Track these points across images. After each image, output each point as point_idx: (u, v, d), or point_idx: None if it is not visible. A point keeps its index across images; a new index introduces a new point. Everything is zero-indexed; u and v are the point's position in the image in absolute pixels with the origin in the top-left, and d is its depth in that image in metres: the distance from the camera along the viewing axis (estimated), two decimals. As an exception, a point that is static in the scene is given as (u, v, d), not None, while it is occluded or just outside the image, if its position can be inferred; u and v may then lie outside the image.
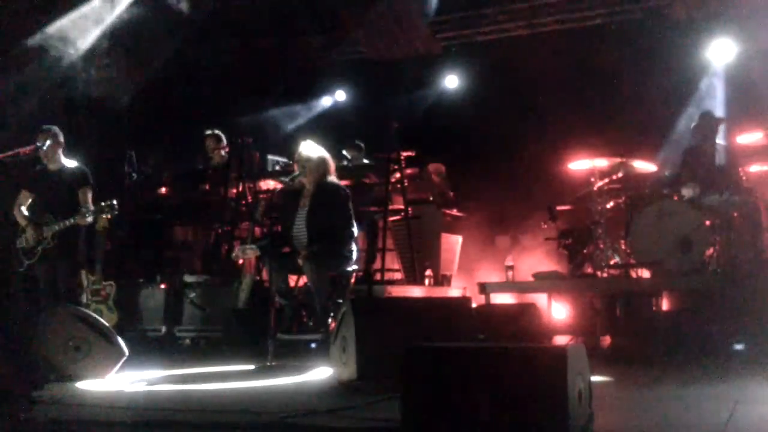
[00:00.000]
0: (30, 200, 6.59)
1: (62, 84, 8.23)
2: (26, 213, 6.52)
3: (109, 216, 6.45)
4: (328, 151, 6.35)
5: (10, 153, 6.23)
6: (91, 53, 8.45)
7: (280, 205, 6.65)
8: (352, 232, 6.12)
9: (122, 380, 4.86)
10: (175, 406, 3.69)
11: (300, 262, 5.86)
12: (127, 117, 8.99)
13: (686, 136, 8.15)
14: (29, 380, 4.35)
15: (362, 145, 8.74)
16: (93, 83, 8.40)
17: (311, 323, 6.22)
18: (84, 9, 8.30)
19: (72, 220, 6.30)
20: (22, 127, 7.37)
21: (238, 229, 8.08)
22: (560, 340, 6.80)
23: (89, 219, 6.37)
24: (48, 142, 6.44)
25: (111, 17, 8.45)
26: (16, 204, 6.56)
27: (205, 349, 7.06)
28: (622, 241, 7.20)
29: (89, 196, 6.54)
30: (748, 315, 5.78)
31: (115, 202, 6.41)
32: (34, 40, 7.97)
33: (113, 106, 8.55)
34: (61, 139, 6.62)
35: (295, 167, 6.32)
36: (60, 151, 6.61)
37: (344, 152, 8.48)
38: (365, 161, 8.53)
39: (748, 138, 7.31)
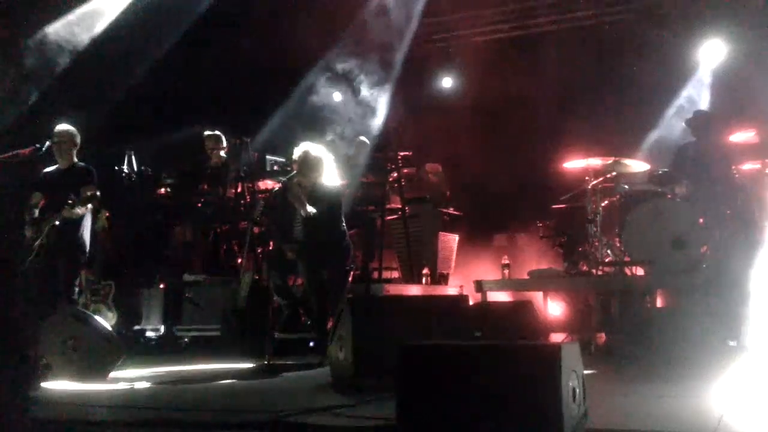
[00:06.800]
0: (41, 200, 6.60)
1: (63, 82, 8.25)
2: (35, 212, 6.54)
3: (91, 204, 6.38)
4: (326, 149, 6.40)
5: (8, 154, 6.25)
6: (91, 51, 8.48)
7: (278, 204, 6.68)
8: (344, 232, 6.17)
9: (121, 380, 4.89)
10: (173, 405, 3.72)
11: (289, 255, 5.90)
12: (127, 117, 9.01)
13: (679, 134, 8.20)
14: (28, 380, 4.37)
15: (367, 141, 8.77)
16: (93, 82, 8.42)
17: (309, 322, 6.26)
18: (87, 7, 8.32)
19: (62, 214, 6.25)
20: (23, 126, 7.39)
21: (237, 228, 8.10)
22: (556, 337, 6.84)
23: (77, 210, 6.30)
24: (54, 143, 6.47)
25: (112, 15, 8.48)
26: (28, 204, 6.58)
27: (203, 348, 7.09)
28: (617, 239, 7.24)
29: None
30: (741, 312, 5.82)
31: (98, 192, 6.39)
32: (35, 37, 7.98)
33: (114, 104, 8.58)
34: (78, 140, 6.69)
35: (294, 167, 6.37)
36: (74, 151, 6.66)
37: (348, 152, 8.50)
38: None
39: (741, 136, 7.36)
